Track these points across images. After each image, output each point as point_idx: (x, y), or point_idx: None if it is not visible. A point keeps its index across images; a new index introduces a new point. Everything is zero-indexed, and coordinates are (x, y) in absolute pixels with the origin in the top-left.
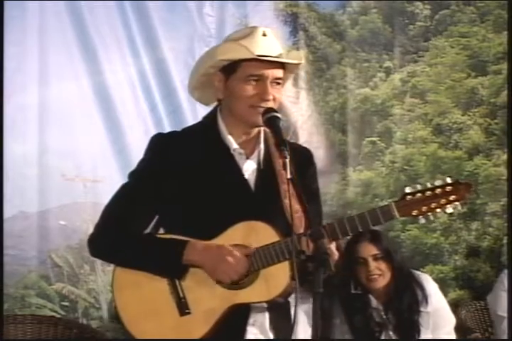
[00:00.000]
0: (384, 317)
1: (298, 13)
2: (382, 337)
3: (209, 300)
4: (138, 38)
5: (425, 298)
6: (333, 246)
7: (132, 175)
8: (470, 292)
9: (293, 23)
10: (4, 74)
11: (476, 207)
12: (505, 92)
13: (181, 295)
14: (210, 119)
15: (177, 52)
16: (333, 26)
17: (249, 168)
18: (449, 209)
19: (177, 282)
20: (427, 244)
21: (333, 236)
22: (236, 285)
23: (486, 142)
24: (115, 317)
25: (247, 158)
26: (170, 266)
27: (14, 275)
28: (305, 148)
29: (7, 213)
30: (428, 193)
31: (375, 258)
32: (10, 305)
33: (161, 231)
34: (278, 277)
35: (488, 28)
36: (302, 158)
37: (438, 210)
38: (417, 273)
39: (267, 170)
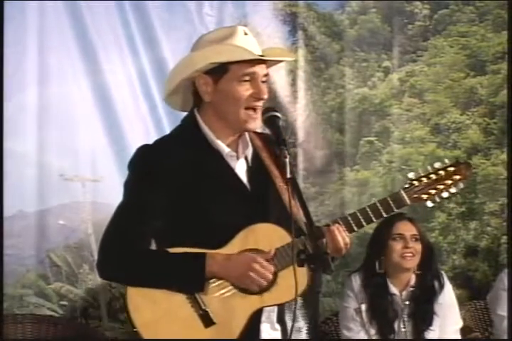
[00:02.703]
0: (401, 305)
1: (297, 12)
2: (395, 325)
3: (233, 308)
4: (137, 38)
5: (441, 288)
6: (346, 236)
7: (127, 192)
8: (468, 291)
9: (292, 22)
10: (4, 74)
11: (475, 206)
12: (504, 92)
13: (203, 307)
14: (190, 124)
15: (176, 51)
16: (332, 26)
17: (240, 168)
18: (453, 189)
19: (196, 294)
20: None
21: (349, 229)
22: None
23: (485, 142)
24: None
25: (238, 158)
26: (192, 280)
27: (13, 274)
28: None
29: (6, 212)
30: (433, 176)
31: (414, 238)
32: (9, 305)
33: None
34: (298, 273)
35: (487, 27)
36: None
37: (444, 191)
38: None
39: (257, 168)
